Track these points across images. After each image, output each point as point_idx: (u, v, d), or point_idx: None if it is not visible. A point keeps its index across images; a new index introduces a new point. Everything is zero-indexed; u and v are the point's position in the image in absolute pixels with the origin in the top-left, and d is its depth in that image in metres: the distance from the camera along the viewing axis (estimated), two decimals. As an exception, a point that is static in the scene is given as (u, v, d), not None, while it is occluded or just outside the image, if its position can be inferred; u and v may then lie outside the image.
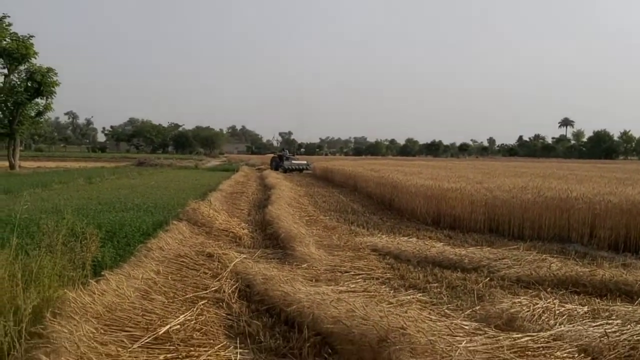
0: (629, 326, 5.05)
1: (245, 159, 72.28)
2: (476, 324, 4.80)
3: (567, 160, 77.37)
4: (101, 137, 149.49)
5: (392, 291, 6.38)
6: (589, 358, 4.04)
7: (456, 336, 4.33)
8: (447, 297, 6.93)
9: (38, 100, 35.16)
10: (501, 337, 4.26)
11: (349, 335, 4.74)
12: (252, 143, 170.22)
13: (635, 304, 6.29)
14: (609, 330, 4.84)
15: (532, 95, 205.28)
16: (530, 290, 7.24)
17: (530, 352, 3.99)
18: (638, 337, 4.71)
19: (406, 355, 4.01)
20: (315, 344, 5.04)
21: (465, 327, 4.64)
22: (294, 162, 43.45)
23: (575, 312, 5.69)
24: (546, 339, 4.28)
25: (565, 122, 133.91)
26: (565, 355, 3.95)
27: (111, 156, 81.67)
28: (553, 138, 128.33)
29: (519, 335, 4.28)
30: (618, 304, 6.35)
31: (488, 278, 7.94)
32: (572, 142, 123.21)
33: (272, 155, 54.66)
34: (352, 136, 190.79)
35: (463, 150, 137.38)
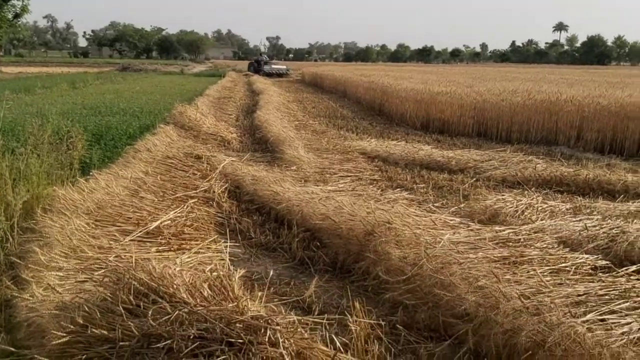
0: (609, 221, 5.22)
1: (232, 65, 70.45)
2: (460, 219, 4.93)
3: (560, 65, 76.49)
4: (82, 42, 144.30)
5: (379, 191, 6.47)
6: (568, 249, 4.19)
7: (440, 229, 4.46)
8: (434, 196, 7.07)
9: (14, 1, 33.47)
10: (483, 230, 4.39)
11: (337, 230, 4.86)
12: (238, 48, 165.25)
13: (617, 201, 6.46)
14: (589, 225, 5.00)
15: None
16: (516, 190, 7.40)
17: (511, 243, 4.13)
18: (617, 231, 4.88)
19: (392, 247, 4.14)
20: (305, 238, 5.17)
21: (450, 221, 4.77)
22: (273, 66, 43.64)
23: (558, 208, 5.86)
24: (527, 232, 4.42)
25: (560, 27, 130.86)
26: (544, 245, 4.09)
27: (94, 61, 79.07)
28: (546, 43, 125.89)
29: (502, 228, 4.42)
30: (600, 201, 6.52)
31: (474, 179, 8.07)
32: (566, 47, 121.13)
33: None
34: (342, 41, 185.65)
35: (455, 56, 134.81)
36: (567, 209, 5.95)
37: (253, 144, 10.96)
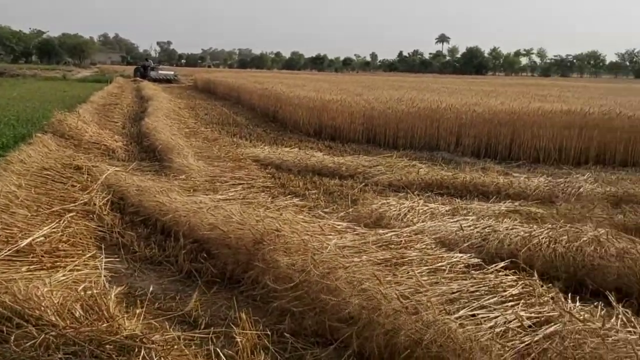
0: (482, 221, 5.61)
1: (119, 70, 67.17)
2: (347, 223, 5.05)
3: (442, 75, 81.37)
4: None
5: (270, 198, 6.46)
6: (445, 249, 4.43)
7: (328, 235, 4.54)
8: (325, 202, 7.19)
9: None
10: (368, 234, 4.53)
11: (226, 240, 4.78)
12: (127, 53, 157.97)
13: (490, 202, 6.97)
14: (465, 225, 5.34)
15: (412, 12, 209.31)
16: (400, 194, 7.74)
17: (393, 246, 4.30)
18: (489, 230, 5.26)
19: (280, 255, 4.15)
20: (192, 250, 5.03)
21: (338, 226, 4.87)
22: (160, 72, 43.06)
23: (438, 210, 6.20)
24: (408, 234, 4.63)
25: (442, 39, 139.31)
26: (424, 246, 4.30)
27: (-38, 65, 71.81)
28: (430, 54, 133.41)
29: (385, 231, 4.59)
30: (475, 202, 7.00)
31: (363, 184, 8.34)
32: (448, 58, 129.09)
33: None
34: (236, 48, 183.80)
35: (347, 64, 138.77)
36: (446, 211, 6.31)
37: (140, 153, 10.52)
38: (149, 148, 10.62)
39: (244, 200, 6.10)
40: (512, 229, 5.24)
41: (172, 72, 44.46)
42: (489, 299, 3.37)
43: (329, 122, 14.03)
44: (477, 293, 3.45)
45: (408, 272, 3.70)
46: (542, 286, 3.60)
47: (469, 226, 5.39)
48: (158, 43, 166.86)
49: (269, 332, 3.37)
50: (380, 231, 4.60)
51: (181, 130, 12.40)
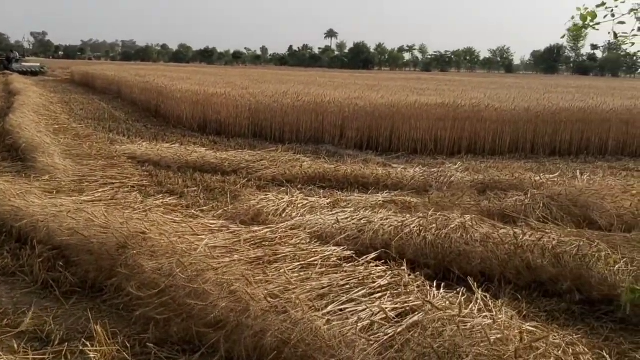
0: (359, 212, 5.68)
1: (-16, 62, 61.12)
2: (223, 221, 4.88)
3: (331, 69, 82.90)
4: None
5: (142, 198, 6.08)
6: (320, 243, 4.41)
7: (200, 235, 4.34)
8: (204, 199, 6.94)
9: None
10: (242, 232, 4.39)
11: (87, 246, 4.41)
12: (10, 48, 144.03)
13: (369, 193, 7.11)
14: (341, 217, 5.37)
15: (302, 6, 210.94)
16: (283, 188, 7.68)
17: (267, 243, 4.20)
18: (365, 221, 5.33)
19: (145, 259, 3.89)
20: (50, 258, 4.60)
21: (212, 225, 4.68)
22: (24, 64, 41.37)
23: (318, 204, 6.20)
24: (284, 229, 4.56)
25: (330, 34, 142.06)
26: (298, 242, 4.25)
27: None
28: (319, 49, 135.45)
29: (259, 228, 4.48)
30: (355, 194, 7.11)
31: (246, 179, 8.17)
32: (336, 52, 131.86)
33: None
34: (119, 39, 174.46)
35: (237, 58, 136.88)
36: (326, 204, 6.34)
37: (2, 152, 9.56)
38: (12, 147, 9.66)
39: (112, 202, 5.69)
40: (386, 219, 5.35)
41: (38, 64, 42.50)
42: (357, 292, 3.37)
43: (213, 117, 13.67)
44: (347, 286, 3.44)
45: (280, 270, 3.61)
46: (409, 275, 3.68)
47: (346, 218, 5.43)
48: (32, 34, 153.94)
49: (128, 344, 3.13)
50: (255, 228, 4.48)
51: (50, 127, 11.43)
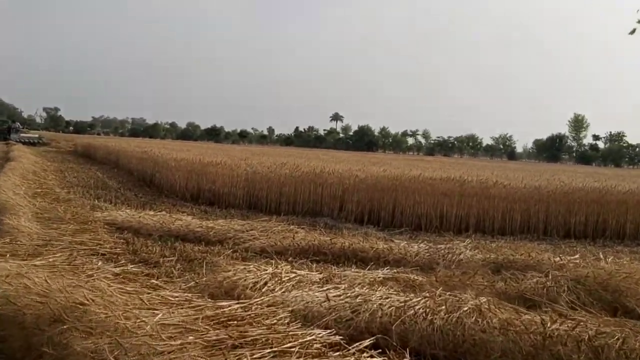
0: (355, 289, 4.84)
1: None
2: (188, 294, 4.05)
3: (334, 150, 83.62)
4: None
5: (101, 264, 5.25)
6: (302, 324, 3.57)
7: (155, 309, 3.51)
8: (179, 270, 6.14)
9: None
10: (207, 307, 3.56)
11: (19, 318, 3.58)
12: (9, 117, 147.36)
13: (367, 269, 6.28)
14: (333, 295, 4.54)
15: (308, 89, 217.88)
16: (273, 260, 6.87)
17: (235, 322, 3.35)
18: (360, 300, 4.48)
19: (78, 337, 3.06)
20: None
21: (172, 298, 3.85)
22: (22, 135, 44.32)
23: (307, 278, 5.36)
24: (260, 306, 3.72)
25: (336, 117, 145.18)
26: (275, 322, 3.41)
27: None
28: (324, 130, 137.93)
29: (228, 304, 3.64)
30: (352, 269, 6.27)
31: (232, 250, 7.39)
32: (341, 135, 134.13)
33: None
34: (129, 116, 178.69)
35: (243, 137, 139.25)
36: (318, 279, 5.51)
37: (-25, 214, 8.85)
38: (-17, 208, 8.96)
39: (66, 268, 4.87)
40: (386, 298, 4.51)
41: (37, 136, 45.60)
42: (345, 392, 2.51)
43: (207, 186, 13.08)
44: (330, 384, 2.58)
45: (244, 358, 2.76)
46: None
47: (339, 295, 4.59)
48: (44, 109, 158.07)
49: None
50: (223, 303, 3.64)
51: (30, 190, 10.78)
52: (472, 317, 4.08)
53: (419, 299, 4.47)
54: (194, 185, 13.39)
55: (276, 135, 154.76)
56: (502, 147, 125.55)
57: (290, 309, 3.85)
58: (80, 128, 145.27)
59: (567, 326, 3.85)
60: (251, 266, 5.14)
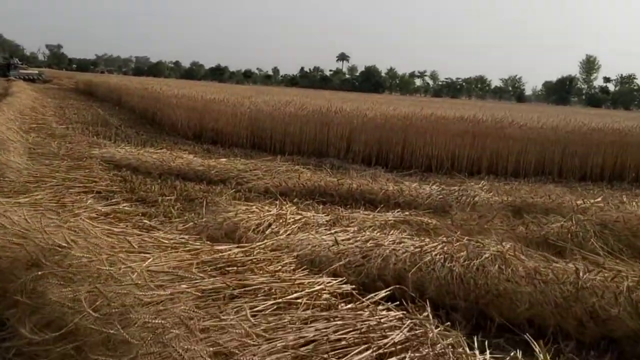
0: (365, 233, 4.48)
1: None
2: (184, 236, 3.68)
3: (340, 91, 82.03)
4: None
5: (92, 201, 4.86)
6: (309, 270, 3.22)
7: (145, 253, 3.14)
8: (179, 210, 5.80)
9: None
10: (203, 251, 3.19)
11: (-6, 262, 3.23)
12: (11, 55, 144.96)
13: (377, 210, 5.90)
14: (342, 238, 4.18)
15: (314, 30, 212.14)
16: (277, 202, 6.51)
17: (235, 267, 2.99)
18: (371, 244, 4.12)
19: (55, 284, 2.71)
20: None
21: (167, 241, 3.48)
22: (21, 71, 43.07)
23: (313, 220, 5.00)
24: (262, 250, 3.35)
25: (342, 57, 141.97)
26: (279, 268, 3.04)
27: None
28: (330, 71, 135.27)
29: (227, 247, 3.27)
30: (360, 211, 5.91)
31: (234, 190, 7.02)
32: (347, 75, 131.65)
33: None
34: (133, 55, 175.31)
35: (247, 77, 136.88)
36: (325, 221, 5.15)
37: (-36, 149, 8.47)
38: (-25, 143, 8.58)
39: (57, 206, 4.50)
40: (399, 242, 4.15)
41: (37, 72, 44.39)
42: (359, 352, 2.16)
43: (210, 125, 12.58)
44: (343, 343, 2.23)
45: (242, 311, 2.40)
46: (437, 327, 2.46)
47: (348, 239, 4.23)
48: (47, 46, 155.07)
49: None
50: (222, 247, 3.27)
51: (26, 126, 10.34)
52: (495, 264, 3.72)
53: (436, 243, 4.11)
54: (196, 123, 12.90)
55: (281, 76, 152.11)
56: (510, 89, 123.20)
57: (295, 254, 3.49)
58: (83, 66, 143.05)
59: (603, 276, 3.48)
60: (254, 207, 4.76)
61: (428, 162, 10.27)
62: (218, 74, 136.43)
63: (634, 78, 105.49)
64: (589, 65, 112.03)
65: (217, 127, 12.47)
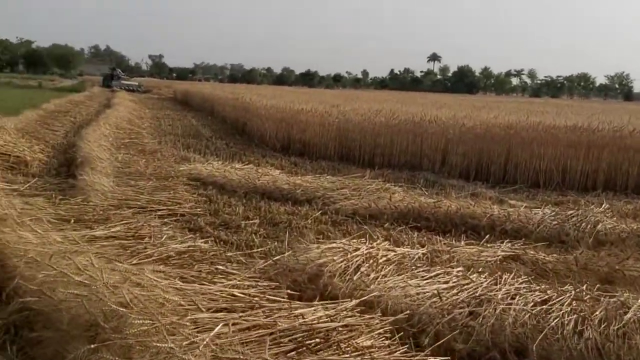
0: (472, 278, 3.79)
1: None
2: (262, 283, 3.21)
3: (432, 93, 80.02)
4: None
5: (165, 236, 4.52)
6: (407, 334, 2.62)
7: (216, 314, 2.70)
8: (261, 238, 5.41)
9: None
10: (281, 312, 2.69)
11: (53, 315, 2.93)
12: (117, 65, 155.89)
13: (482, 243, 5.16)
14: (444, 287, 3.54)
15: (404, 31, 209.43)
16: (365, 226, 5.96)
17: (315, 341, 2.45)
18: (480, 296, 3.44)
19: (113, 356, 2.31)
20: (16, 325, 3.19)
21: (242, 294, 3.02)
22: (123, 82, 45.32)
23: (408, 256, 4.38)
24: (350, 311, 2.80)
25: (434, 57, 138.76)
26: (369, 343, 2.47)
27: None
28: (421, 72, 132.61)
29: (307, 310, 2.74)
30: (462, 242, 5.20)
31: (320, 211, 6.55)
32: (439, 76, 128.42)
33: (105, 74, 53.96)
34: (228, 63, 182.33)
35: (337, 81, 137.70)
36: (421, 255, 4.52)
37: (61, 166, 8.70)
38: (71, 160, 8.78)
39: (129, 240, 4.23)
40: (515, 294, 3.44)
41: (136, 83, 46.44)
42: None
43: (297, 136, 12.26)
44: None
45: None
46: None
47: (451, 287, 3.59)
48: (150, 56, 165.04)
49: None
50: (302, 310, 2.74)
51: (117, 141, 10.53)
52: (644, 332, 2.92)
53: (562, 296, 3.36)
54: (284, 135, 12.64)
55: (370, 79, 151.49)
56: (617, 86, 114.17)
57: (391, 319, 2.89)
58: (182, 74, 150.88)
59: None
60: (341, 243, 4.21)
61: (535, 176, 9.24)
62: (308, 79, 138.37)
63: None
64: None
65: (305, 138, 12.13)
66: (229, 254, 4.49)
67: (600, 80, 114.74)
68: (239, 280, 3.29)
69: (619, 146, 9.34)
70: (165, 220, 5.66)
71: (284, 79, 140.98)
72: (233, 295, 2.97)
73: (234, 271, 3.51)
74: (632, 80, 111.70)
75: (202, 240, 4.56)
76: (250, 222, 6.02)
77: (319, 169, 10.01)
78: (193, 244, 4.10)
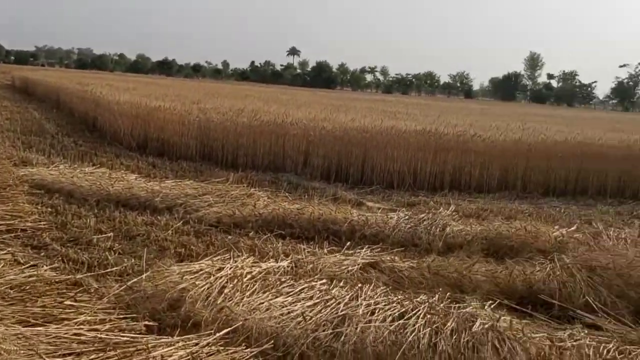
0: (334, 292, 3.86)
1: None
2: (115, 317, 2.97)
3: (293, 87, 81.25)
4: None
5: (17, 257, 4.01)
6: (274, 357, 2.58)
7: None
8: (115, 254, 5.04)
9: None
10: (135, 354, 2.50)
11: None
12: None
13: (343, 250, 5.30)
14: (308, 304, 3.57)
15: (264, 22, 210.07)
16: (230, 236, 5.84)
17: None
18: (341, 314, 3.51)
19: None
20: None
21: (90, 334, 2.76)
22: None
23: (274, 271, 4.35)
24: (214, 344, 2.69)
25: (293, 52, 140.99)
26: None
27: None
28: (281, 65, 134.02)
29: (165, 350, 2.58)
30: (325, 249, 5.30)
31: (182, 221, 6.29)
32: (298, 70, 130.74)
33: None
34: (75, 47, 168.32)
35: (196, 71, 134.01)
36: (286, 267, 4.53)
37: None
38: None
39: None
40: (374, 309, 3.57)
41: None
42: None
43: (155, 135, 11.66)
44: None
45: None
46: None
47: (314, 304, 3.63)
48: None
49: None
50: (158, 351, 2.57)
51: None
52: (488, 341, 3.20)
53: (418, 309, 3.56)
54: (140, 132, 11.94)
55: (231, 70, 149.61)
56: (459, 85, 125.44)
57: (256, 350, 2.83)
58: (22, 58, 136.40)
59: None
60: (204, 263, 4.06)
61: (390, 177, 9.78)
62: (166, 67, 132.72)
63: (576, 74, 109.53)
64: (533, 61, 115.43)
65: (164, 136, 11.58)
66: (79, 276, 4.13)
67: (444, 79, 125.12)
68: (89, 315, 3.00)
69: (462, 149, 10.21)
70: (4, 237, 5.06)
71: (139, 66, 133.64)
72: (80, 342, 2.69)
73: (84, 304, 3.20)
74: (471, 79, 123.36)
75: (48, 263, 4.11)
76: (103, 236, 5.59)
77: (179, 171, 9.62)
78: (36, 272, 3.67)
